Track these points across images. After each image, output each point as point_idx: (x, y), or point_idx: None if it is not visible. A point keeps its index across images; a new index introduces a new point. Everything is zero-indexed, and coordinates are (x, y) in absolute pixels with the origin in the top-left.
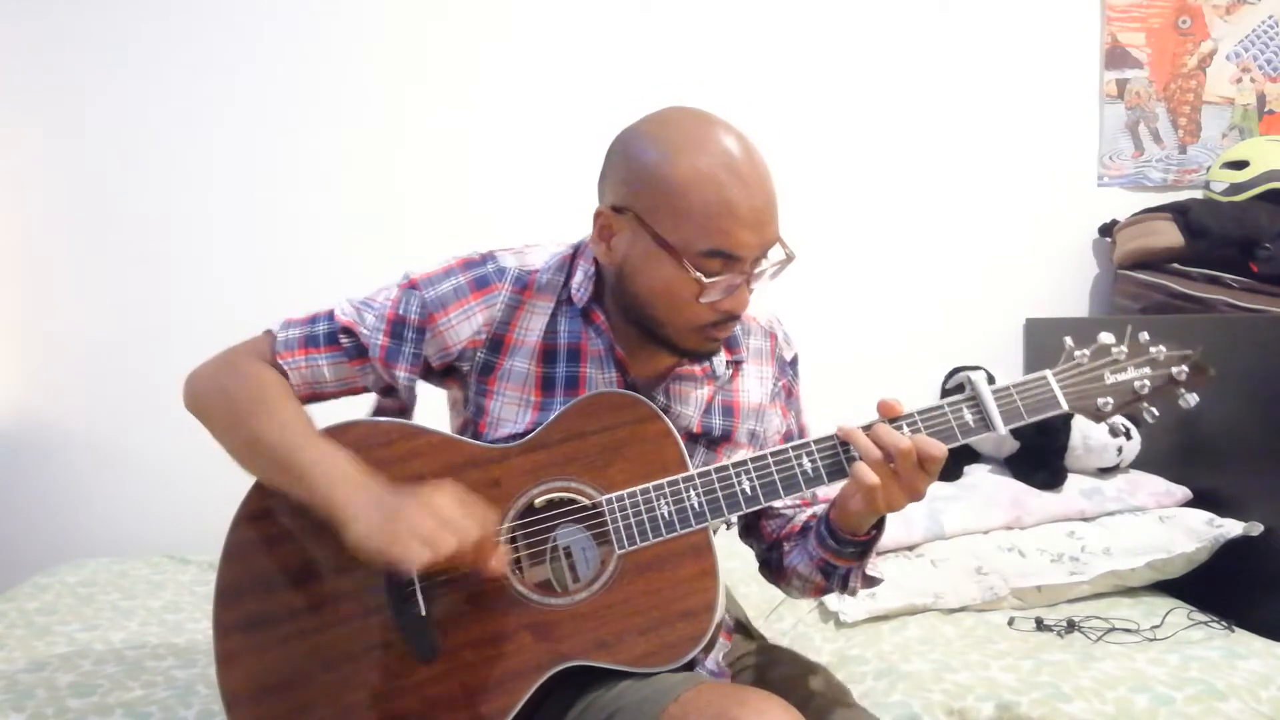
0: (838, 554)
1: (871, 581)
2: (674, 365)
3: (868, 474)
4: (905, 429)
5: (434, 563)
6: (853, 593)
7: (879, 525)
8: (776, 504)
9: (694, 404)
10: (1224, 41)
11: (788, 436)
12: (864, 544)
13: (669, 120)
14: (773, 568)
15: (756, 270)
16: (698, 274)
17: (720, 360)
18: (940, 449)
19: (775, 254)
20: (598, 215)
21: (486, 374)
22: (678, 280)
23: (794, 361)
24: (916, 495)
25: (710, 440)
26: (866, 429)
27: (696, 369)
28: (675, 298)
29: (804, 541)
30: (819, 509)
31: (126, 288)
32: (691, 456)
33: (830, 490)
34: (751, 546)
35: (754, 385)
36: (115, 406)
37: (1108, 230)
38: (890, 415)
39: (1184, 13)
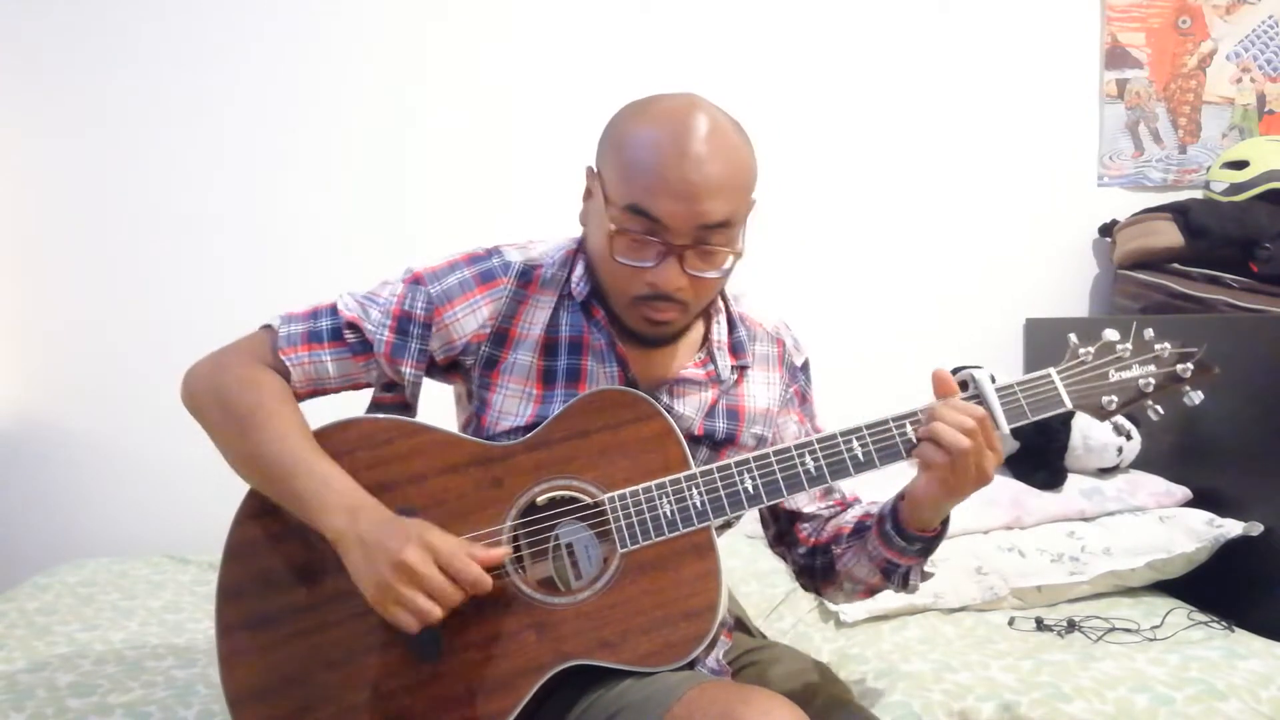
0: (904, 552)
1: (926, 577)
2: (676, 368)
3: (959, 440)
4: (909, 427)
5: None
6: (912, 590)
7: (945, 520)
8: (807, 508)
9: (696, 407)
10: (1224, 41)
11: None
12: (931, 540)
13: (660, 95)
14: (817, 573)
15: (691, 250)
16: (612, 225)
17: (725, 365)
18: (1002, 425)
19: (727, 243)
20: (586, 177)
21: (490, 368)
22: (605, 233)
23: (805, 367)
24: (985, 478)
25: (714, 443)
26: (935, 416)
27: (700, 373)
28: (602, 255)
29: (860, 542)
30: (868, 508)
31: (127, 287)
32: (694, 459)
33: (852, 488)
34: (784, 556)
35: (760, 390)
36: (115, 406)
37: (1108, 230)
38: (949, 391)
39: (1184, 13)
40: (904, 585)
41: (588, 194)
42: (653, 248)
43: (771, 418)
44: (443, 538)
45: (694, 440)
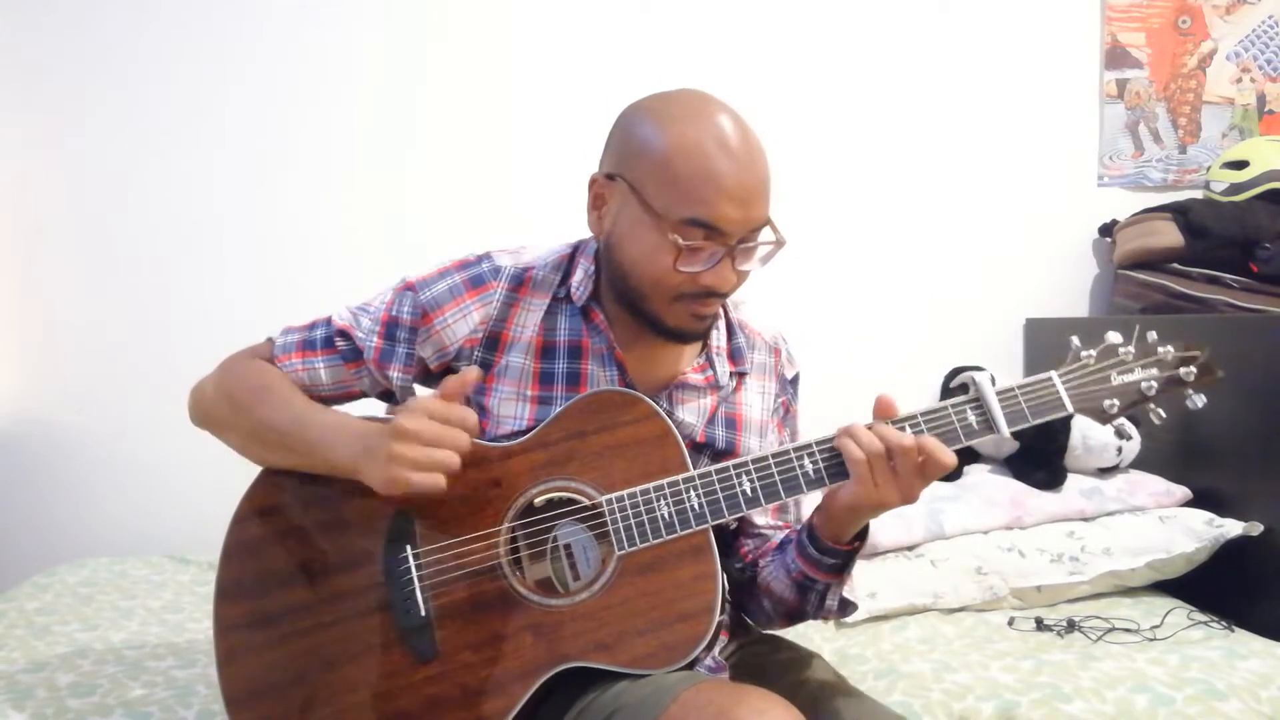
0: (817, 565)
1: (847, 607)
2: (675, 373)
3: (864, 467)
4: (908, 430)
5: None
6: (827, 616)
7: (861, 536)
8: (759, 521)
9: (697, 413)
10: (1224, 41)
11: None
12: (845, 555)
13: (670, 96)
14: (743, 587)
15: (741, 248)
16: (675, 238)
17: (724, 370)
18: (948, 457)
19: (766, 235)
20: (592, 183)
21: (484, 371)
22: (658, 247)
23: (795, 380)
24: (910, 498)
25: (715, 453)
26: (869, 427)
27: (699, 379)
28: (655, 265)
29: (782, 555)
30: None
31: (127, 288)
32: (694, 468)
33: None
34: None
35: (755, 400)
36: (115, 406)
37: (1108, 230)
38: (888, 414)
39: (1184, 13)
40: (820, 608)
41: (600, 202)
42: (707, 251)
43: (766, 428)
44: (423, 411)
45: (695, 448)
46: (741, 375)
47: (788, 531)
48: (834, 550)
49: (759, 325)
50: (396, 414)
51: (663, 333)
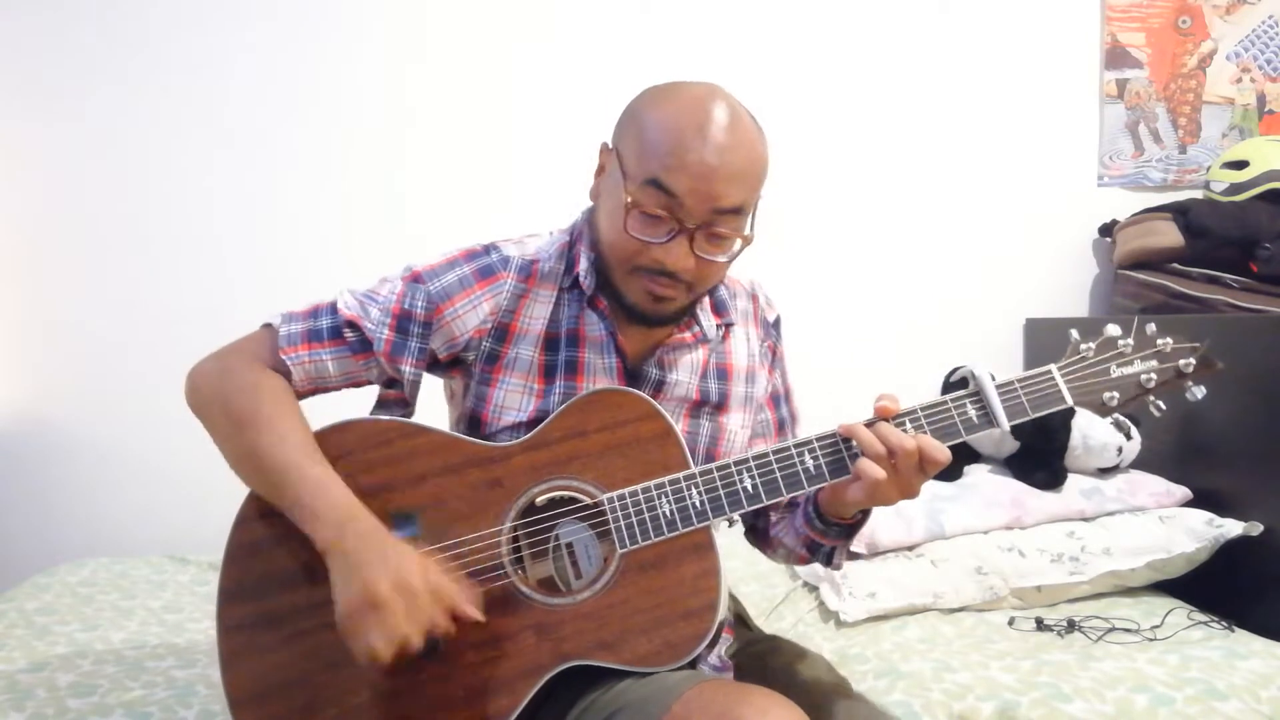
0: (824, 534)
1: (855, 557)
2: (665, 335)
3: (874, 469)
4: (908, 425)
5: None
6: (837, 567)
7: (866, 511)
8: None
9: (689, 369)
10: (1224, 41)
11: (774, 397)
12: (849, 527)
13: (683, 82)
14: (758, 534)
15: (701, 231)
16: (629, 198)
17: (710, 324)
18: (944, 453)
19: (734, 228)
20: (600, 151)
21: (492, 363)
22: (620, 207)
23: (777, 323)
24: (911, 493)
25: (712, 406)
26: (869, 425)
27: (687, 335)
28: (614, 226)
29: (791, 517)
30: None
31: (127, 286)
32: (696, 429)
33: None
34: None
35: (741, 347)
36: (115, 406)
37: (1108, 230)
38: (888, 415)
39: (1184, 13)
40: (828, 562)
41: (600, 170)
42: (665, 225)
43: (754, 374)
44: (422, 576)
45: (694, 407)
46: (729, 326)
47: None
48: (838, 524)
49: (733, 273)
50: (391, 567)
51: (624, 309)
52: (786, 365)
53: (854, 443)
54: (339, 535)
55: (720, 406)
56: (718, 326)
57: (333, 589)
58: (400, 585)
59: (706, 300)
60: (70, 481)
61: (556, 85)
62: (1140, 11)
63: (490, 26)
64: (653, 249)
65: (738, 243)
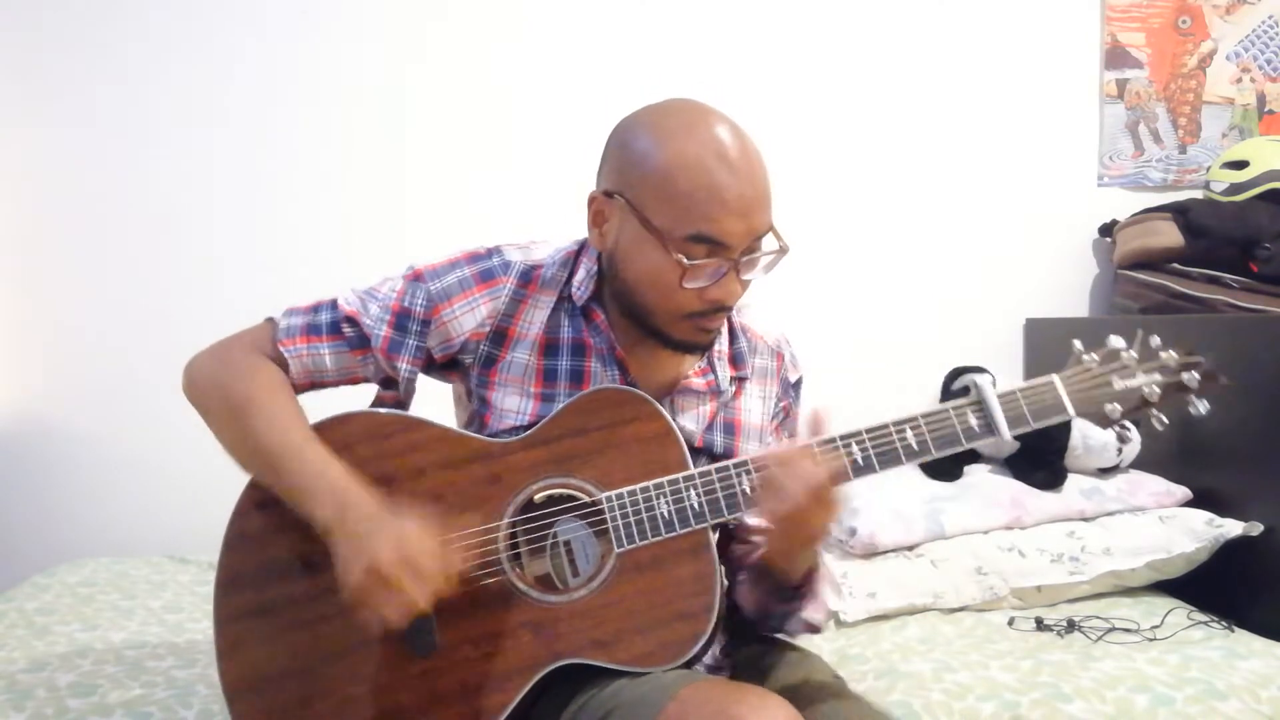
0: (774, 596)
1: (811, 628)
2: (677, 377)
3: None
4: (909, 432)
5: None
6: (793, 636)
7: (809, 573)
8: (752, 523)
9: (696, 419)
10: (1224, 41)
11: None
12: (794, 591)
13: (665, 109)
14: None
15: (745, 259)
16: (680, 257)
17: (725, 375)
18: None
19: (769, 244)
20: (591, 200)
21: (488, 366)
22: (663, 265)
23: (798, 384)
24: (816, 530)
25: (712, 457)
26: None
27: (700, 383)
28: (661, 283)
29: (750, 576)
30: None
31: (126, 287)
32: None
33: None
34: None
35: (756, 405)
36: (115, 407)
37: (1108, 230)
38: (818, 432)
39: (1184, 13)
40: (780, 630)
41: (602, 220)
42: (711, 266)
43: (766, 432)
44: (423, 544)
45: (692, 452)
46: (742, 380)
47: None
48: (784, 589)
49: (761, 328)
50: (392, 538)
51: (669, 345)
52: (798, 427)
53: (861, 439)
54: (340, 515)
55: (723, 460)
56: (731, 380)
57: (337, 568)
58: (405, 556)
59: (725, 349)
60: (70, 481)
61: (556, 85)
62: (1140, 11)
63: (490, 27)
64: (707, 292)
65: (775, 256)
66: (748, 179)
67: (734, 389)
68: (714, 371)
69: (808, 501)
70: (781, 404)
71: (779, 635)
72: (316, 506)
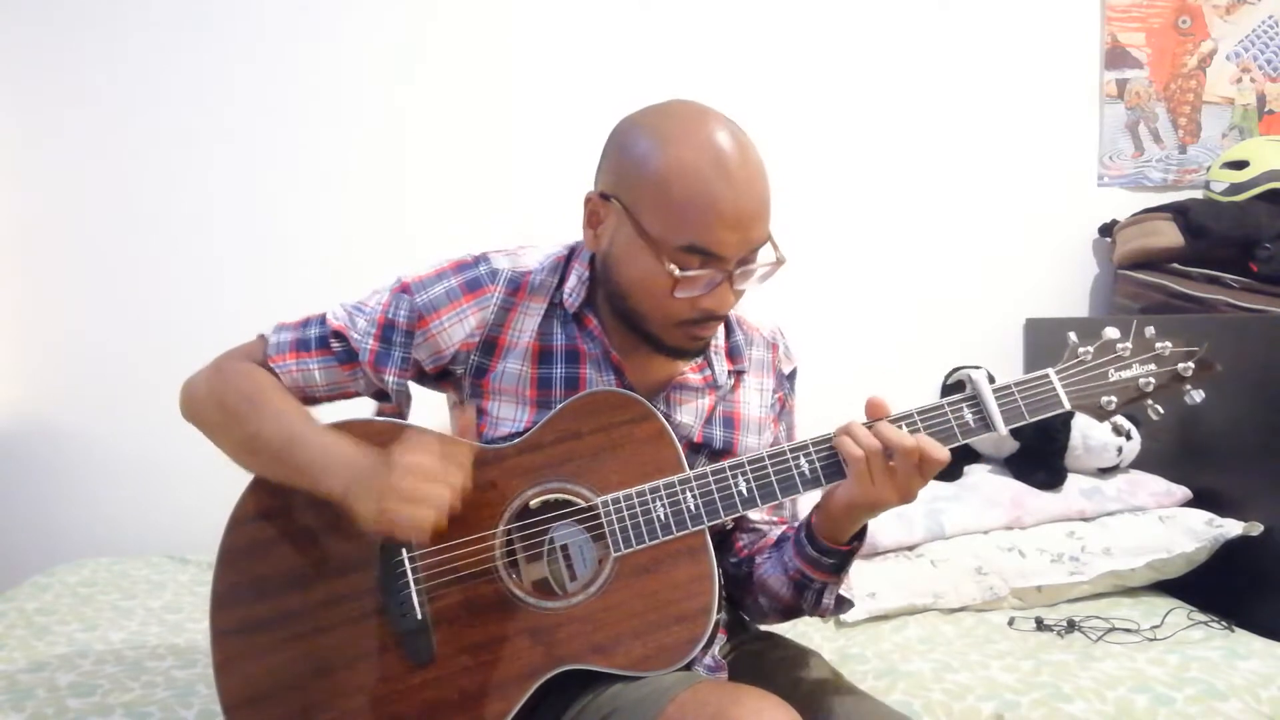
0: (815, 564)
1: (844, 604)
2: (672, 374)
3: (860, 462)
4: (904, 428)
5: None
6: (824, 613)
7: (860, 535)
8: (755, 516)
9: (695, 414)
10: (1224, 41)
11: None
12: (843, 555)
13: (665, 111)
14: (740, 582)
15: (740, 270)
16: (672, 267)
17: (722, 370)
18: (943, 453)
19: (766, 255)
20: (587, 200)
21: (480, 376)
22: (655, 273)
23: (792, 375)
24: (908, 496)
25: (712, 452)
26: (868, 426)
27: (697, 379)
28: (653, 291)
29: (779, 552)
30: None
31: (126, 287)
32: (692, 467)
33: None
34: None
35: (754, 398)
36: (115, 407)
37: (1108, 230)
38: (878, 415)
39: (1184, 13)
40: (817, 605)
41: (596, 221)
42: (705, 276)
43: (764, 425)
44: (422, 448)
45: (693, 448)
46: (740, 374)
47: (785, 528)
48: (832, 550)
49: (756, 320)
50: (393, 449)
51: (661, 350)
52: (794, 419)
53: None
54: (354, 477)
55: (723, 454)
56: (729, 374)
57: (360, 519)
58: (409, 466)
59: (722, 343)
60: (70, 481)
61: (556, 86)
62: (1140, 11)
63: (490, 27)
64: (699, 301)
65: (771, 267)
66: (746, 190)
67: (732, 382)
68: (710, 366)
69: (908, 466)
70: (776, 395)
71: (814, 615)
72: (329, 479)
